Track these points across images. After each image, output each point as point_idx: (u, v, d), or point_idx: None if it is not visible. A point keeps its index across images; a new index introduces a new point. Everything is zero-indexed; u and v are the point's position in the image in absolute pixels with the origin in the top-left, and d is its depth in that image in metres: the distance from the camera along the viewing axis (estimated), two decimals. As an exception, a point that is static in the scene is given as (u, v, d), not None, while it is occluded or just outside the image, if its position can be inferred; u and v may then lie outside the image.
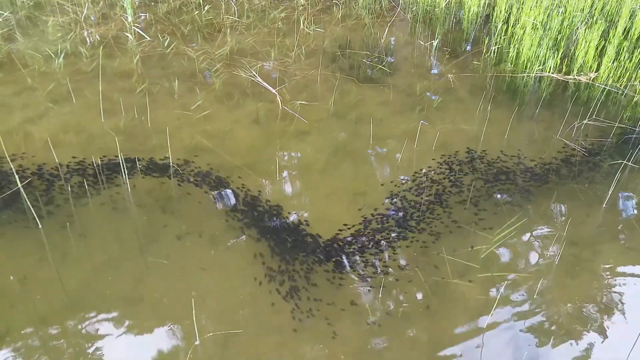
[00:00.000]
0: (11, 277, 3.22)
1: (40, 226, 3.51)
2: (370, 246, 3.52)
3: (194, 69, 5.39)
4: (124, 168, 3.88)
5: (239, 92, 5.07)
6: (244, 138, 4.48)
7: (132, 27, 5.77)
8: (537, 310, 3.22)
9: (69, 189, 3.78)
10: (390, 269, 3.38)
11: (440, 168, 4.16)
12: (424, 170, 4.14)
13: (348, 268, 3.37)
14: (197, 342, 2.91)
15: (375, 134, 4.50)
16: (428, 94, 5.16)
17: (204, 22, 6.28)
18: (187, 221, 3.67)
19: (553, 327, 3.14)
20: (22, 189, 3.63)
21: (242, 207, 3.77)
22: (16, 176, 3.70)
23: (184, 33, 6.03)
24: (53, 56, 5.40)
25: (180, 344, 2.93)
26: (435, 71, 5.59)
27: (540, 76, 5.35)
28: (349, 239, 3.55)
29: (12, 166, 3.80)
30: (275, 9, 6.66)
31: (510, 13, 5.95)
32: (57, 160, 3.97)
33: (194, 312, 2.98)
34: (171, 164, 4.03)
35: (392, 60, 5.71)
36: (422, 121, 4.59)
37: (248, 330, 3.00)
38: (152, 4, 6.63)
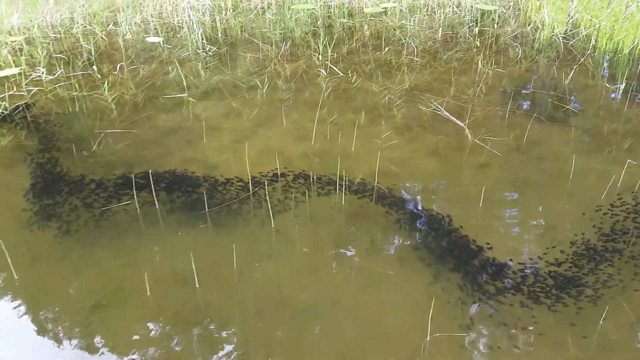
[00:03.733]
0: (234, 267, 3.68)
1: (273, 225, 4.00)
2: (562, 276, 3.49)
3: (376, 102, 5.79)
4: (341, 185, 4.29)
5: (419, 125, 5.34)
6: (428, 167, 4.70)
7: (327, 64, 6.38)
8: None
9: (292, 196, 4.28)
10: (588, 300, 3.32)
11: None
12: (622, 208, 4.02)
13: (541, 299, 3.37)
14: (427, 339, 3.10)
15: (566, 170, 4.47)
16: (617, 135, 5.02)
17: (382, 61, 6.73)
18: (375, 237, 3.94)
19: None
20: (266, 194, 4.19)
21: (428, 230, 3.96)
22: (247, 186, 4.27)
23: (365, 70, 6.51)
24: (259, 85, 6.15)
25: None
26: (623, 114, 5.42)
27: None
28: (539, 268, 3.55)
29: (249, 175, 4.37)
30: (449, 50, 6.93)
31: None
32: (278, 169, 4.54)
33: (430, 311, 3.18)
34: (376, 184, 4.35)
35: (576, 101, 5.65)
36: (629, 160, 4.47)
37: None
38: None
